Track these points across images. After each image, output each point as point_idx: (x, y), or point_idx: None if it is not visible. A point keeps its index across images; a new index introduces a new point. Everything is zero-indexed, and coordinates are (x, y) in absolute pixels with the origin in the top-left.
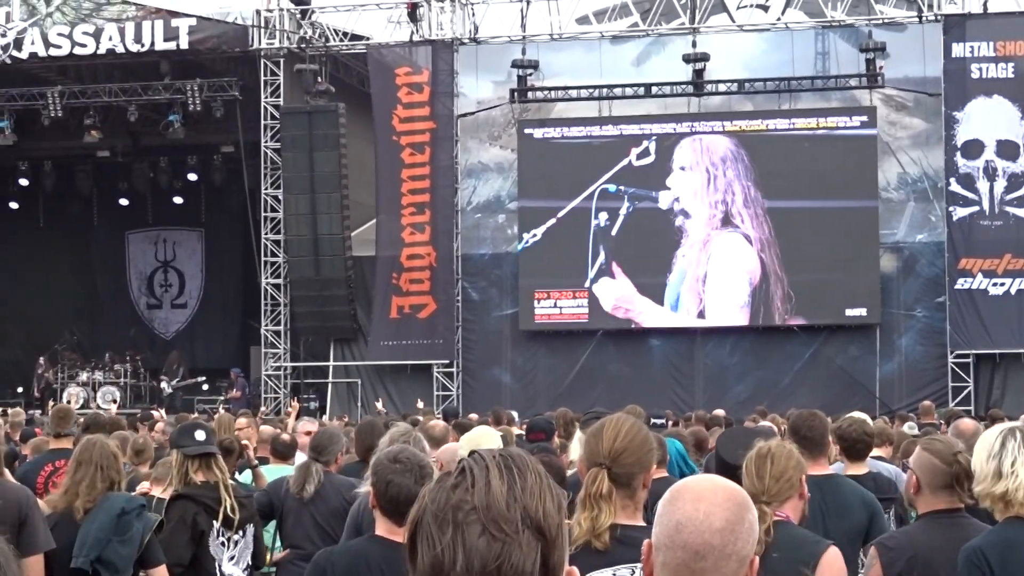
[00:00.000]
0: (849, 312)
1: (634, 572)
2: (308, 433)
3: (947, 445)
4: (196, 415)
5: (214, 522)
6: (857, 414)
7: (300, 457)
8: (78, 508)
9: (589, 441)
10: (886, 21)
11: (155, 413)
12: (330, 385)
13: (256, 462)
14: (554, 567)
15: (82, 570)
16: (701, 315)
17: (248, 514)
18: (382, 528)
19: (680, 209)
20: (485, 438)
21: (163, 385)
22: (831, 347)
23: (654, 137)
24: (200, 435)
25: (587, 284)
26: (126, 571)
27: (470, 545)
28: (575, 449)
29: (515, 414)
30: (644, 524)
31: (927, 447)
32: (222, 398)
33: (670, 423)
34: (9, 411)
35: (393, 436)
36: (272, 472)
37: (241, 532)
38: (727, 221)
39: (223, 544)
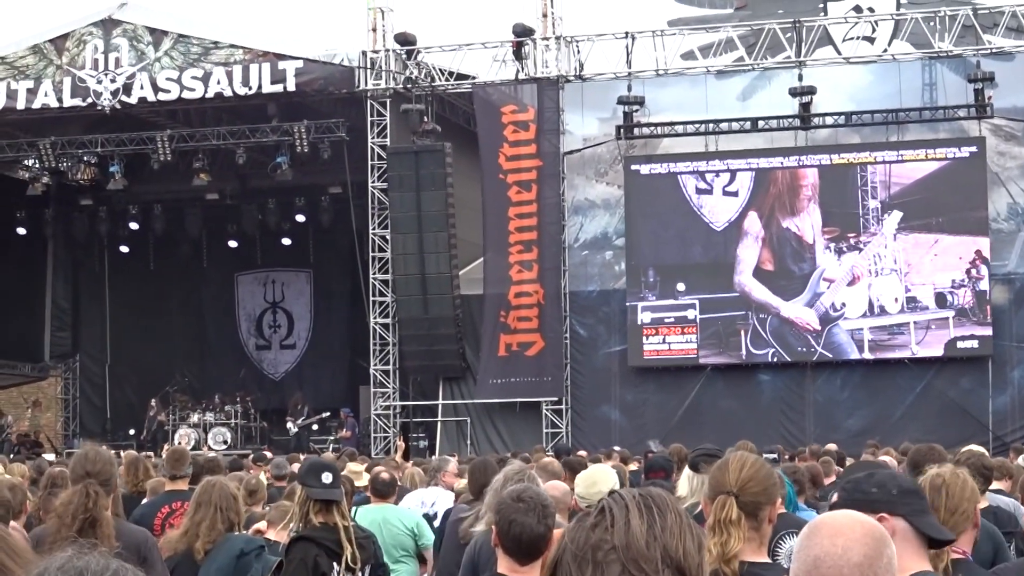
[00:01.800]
0: (961, 344)
1: None
2: (457, 475)
3: None
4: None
5: (335, 564)
6: (975, 447)
7: (414, 496)
8: (198, 549)
9: (715, 474)
10: (994, 51)
11: (268, 454)
12: (439, 424)
13: None
14: None
15: None
16: (817, 342)
17: (367, 555)
18: (504, 566)
19: (799, 239)
20: (601, 476)
21: (288, 426)
22: (942, 380)
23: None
24: (327, 478)
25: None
26: None
27: None
28: (683, 486)
29: (653, 444)
30: (770, 561)
31: None
32: (332, 438)
33: (784, 457)
34: (122, 453)
35: (508, 474)
36: (371, 511)
37: (361, 573)
38: (841, 252)
39: None
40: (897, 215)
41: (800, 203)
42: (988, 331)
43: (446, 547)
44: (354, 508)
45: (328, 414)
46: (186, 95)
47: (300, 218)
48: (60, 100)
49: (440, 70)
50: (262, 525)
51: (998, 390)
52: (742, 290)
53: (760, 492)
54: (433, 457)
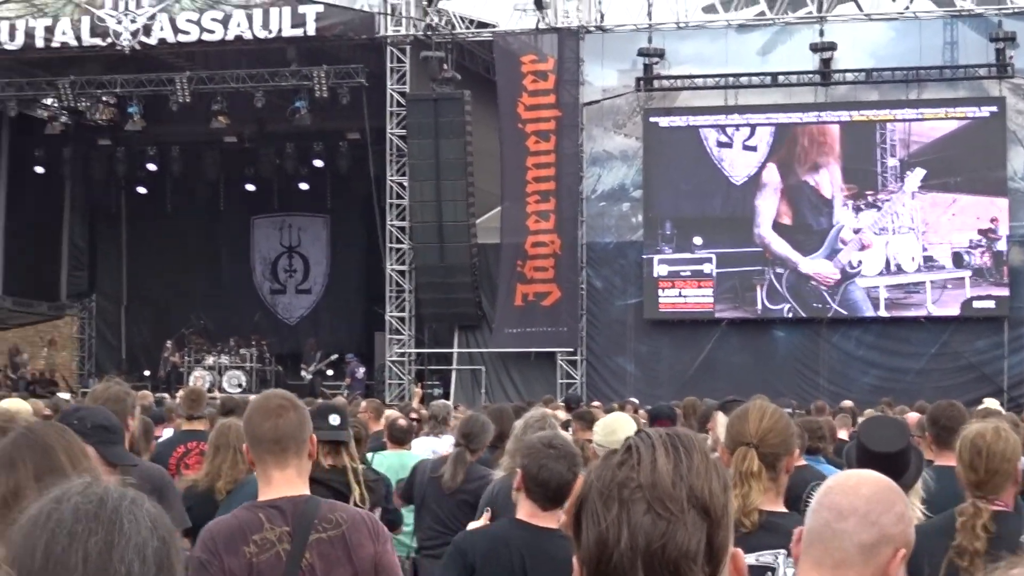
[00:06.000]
0: (977, 304)
1: (776, 558)
2: None
3: None
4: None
5: None
6: (990, 401)
7: (424, 442)
8: (219, 489)
9: (734, 423)
10: (1016, 10)
11: None
12: (454, 372)
13: None
14: (719, 548)
15: None
16: (831, 299)
17: (377, 498)
18: (524, 511)
19: (817, 193)
20: (620, 424)
21: (303, 373)
22: (958, 340)
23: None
24: (334, 419)
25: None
26: None
27: (635, 522)
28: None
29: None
30: (787, 511)
31: None
32: (345, 383)
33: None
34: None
35: (528, 421)
36: (388, 457)
37: None
38: (859, 209)
39: None
40: (920, 172)
41: (819, 159)
42: (1005, 292)
43: (431, 496)
44: (371, 454)
45: (337, 356)
46: (206, 37)
47: (318, 163)
48: (79, 39)
49: (460, 18)
50: None
51: (1014, 351)
52: (762, 243)
53: (779, 443)
54: (432, 403)
